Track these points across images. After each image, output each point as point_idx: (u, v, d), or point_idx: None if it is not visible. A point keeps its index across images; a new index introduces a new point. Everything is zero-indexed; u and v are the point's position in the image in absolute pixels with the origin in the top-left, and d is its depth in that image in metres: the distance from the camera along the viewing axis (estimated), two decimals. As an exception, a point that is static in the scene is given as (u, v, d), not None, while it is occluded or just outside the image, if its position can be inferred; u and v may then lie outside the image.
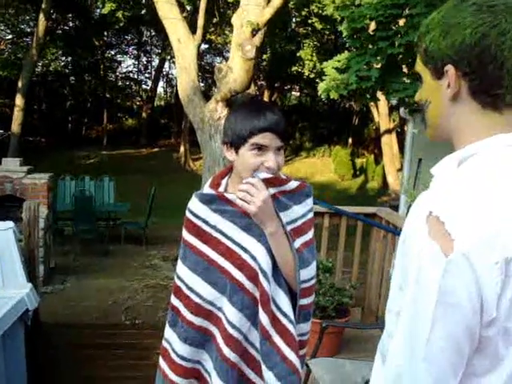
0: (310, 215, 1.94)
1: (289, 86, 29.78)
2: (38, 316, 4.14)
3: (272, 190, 1.79)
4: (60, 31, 24.19)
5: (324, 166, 23.55)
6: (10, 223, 4.48)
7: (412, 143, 9.15)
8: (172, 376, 1.90)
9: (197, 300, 1.84)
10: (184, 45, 9.02)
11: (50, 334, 4.89)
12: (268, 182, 1.77)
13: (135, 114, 30.20)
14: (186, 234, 1.89)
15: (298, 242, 1.83)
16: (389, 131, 17.59)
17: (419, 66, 1.18)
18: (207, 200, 1.85)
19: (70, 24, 25.24)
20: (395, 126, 19.23)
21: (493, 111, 1.09)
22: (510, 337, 1.00)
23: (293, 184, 1.86)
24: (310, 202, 1.94)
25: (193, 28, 9.66)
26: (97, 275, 7.96)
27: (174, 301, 1.93)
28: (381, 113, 17.53)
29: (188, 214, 1.88)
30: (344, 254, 4.93)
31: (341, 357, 3.86)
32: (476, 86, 1.08)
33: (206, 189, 1.89)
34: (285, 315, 1.79)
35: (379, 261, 4.78)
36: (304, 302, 1.88)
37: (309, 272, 1.85)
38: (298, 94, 32.38)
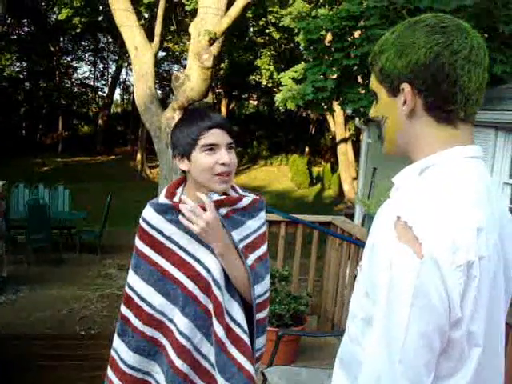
0: (263, 229, 1.97)
1: (246, 95, 29.91)
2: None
3: (224, 210, 1.82)
4: (15, 36, 23.73)
5: (281, 174, 23.71)
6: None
7: (367, 152, 9.31)
8: None
9: (149, 310, 1.83)
10: (141, 52, 8.99)
11: (2, 346, 4.78)
12: (220, 203, 1.80)
13: (91, 121, 29.78)
14: (139, 244, 1.87)
15: (250, 259, 1.86)
16: (344, 140, 17.83)
17: (374, 85, 1.24)
18: (162, 210, 1.84)
19: (26, 29, 24.79)
20: (351, 135, 19.52)
21: (448, 125, 1.15)
22: (472, 338, 1.06)
23: (246, 201, 1.89)
24: (262, 215, 1.97)
25: (150, 36, 9.63)
26: (51, 285, 7.80)
27: (125, 311, 1.91)
28: (337, 122, 17.77)
29: (142, 223, 1.87)
30: (300, 262, 4.98)
31: (297, 365, 3.90)
32: (431, 102, 1.14)
33: (162, 198, 1.88)
34: (238, 325, 1.81)
35: (335, 268, 4.84)
36: (260, 316, 1.91)
37: (262, 287, 1.89)
38: (256, 102, 32.54)
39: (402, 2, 5.26)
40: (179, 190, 1.91)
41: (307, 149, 26.42)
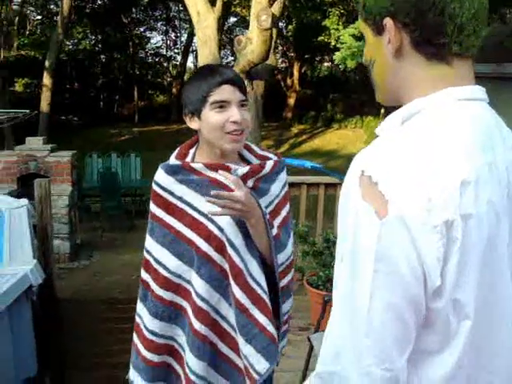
0: (285, 189, 1.91)
1: (319, 57, 29.35)
2: (54, 291, 4.19)
3: (251, 183, 1.77)
4: (88, 10, 24.27)
5: (356, 137, 23.22)
6: (25, 201, 4.55)
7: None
8: (144, 352, 1.87)
9: (165, 273, 1.80)
10: (203, 17, 8.93)
11: (71, 309, 4.97)
12: (246, 177, 1.74)
13: (166, 91, 30.22)
14: (152, 207, 1.85)
15: (275, 226, 1.81)
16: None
17: (360, 24, 1.11)
18: (172, 171, 1.80)
19: (99, 2, 25.29)
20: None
21: (439, 63, 1.01)
22: (460, 311, 0.92)
23: (268, 166, 1.82)
24: (282, 176, 1.90)
25: (213, 1, 9.56)
26: (122, 251, 8.05)
27: (144, 274, 1.90)
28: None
29: (154, 186, 1.84)
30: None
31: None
32: (417, 36, 1.00)
33: (172, 159, 1.84)
34: (258, 285, 1.76)
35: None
36: (284, 281, 1.86)
37: (285, 254, 1.84)
38: (330, 64, 31.90)
39: None
40: (191, 151, 1.87)
41: (382, 110, 25.69)
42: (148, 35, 29.81)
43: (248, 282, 1.73)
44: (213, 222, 1.75)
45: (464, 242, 0.88)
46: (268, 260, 1.79)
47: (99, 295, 6.10)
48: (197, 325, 1.76)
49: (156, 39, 49.44)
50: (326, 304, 3.05)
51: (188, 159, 1.83)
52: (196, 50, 33.33)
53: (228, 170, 1.75)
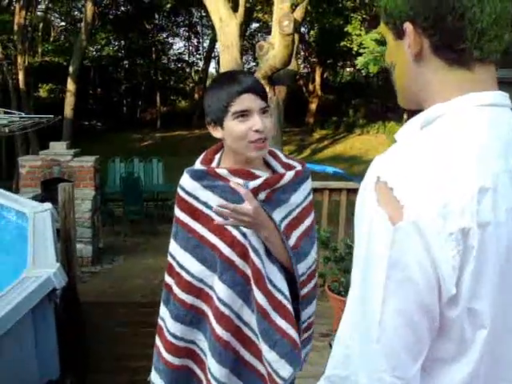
0: (309, 199, 1.90)
1: (341, 63, 29.29)
2: (76, 295, 4.23)
3: (263, 195, 1.75)
4: (111, 16, 24.55)
5: (378, 142, 23.07)
6: (49, 205, 4.61)
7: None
8: (165, 354, 1.88)
9: (187, 278, 1.81)
10: (225, 23, 8.98)
11: (93, 313, 5.00)
12: (257, 190, 1.73)
13: (188, 96, 30.41)
14: (177, 211, 1.86)
15: (294, 237, 1.80)
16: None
17: (382, 28, 1.10)
18: (198, 176, 1.80)
19: (122, 8, 25.56)
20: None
21: (460, 68, 0.99)
22: (476, 320, 0.91)
23: (287, 178, 1.80)
24: (306, 186, 1.88)
25: (235, 8, 9.59)
26: (145, 255, 8.09)
27: (167, 278, 1.92)
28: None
29: (179, 190, 1.85)
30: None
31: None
32: (437, 41, 0.98)
33: (197, 165, 1.85)
34: (279, 291, 1.75)
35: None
36: (305, 290, 1.86)
37: (307, 263, 1.84)
38: (352, 69, 31.82)
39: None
40: (217, 156, 1.87)
41: (405, 116, 25.51)
42: (170, 41, 30.08)
43: (269, 287, 1.73)
44: (237, 227, 1.75)
45: (480, 250, 0.87)
46: (289, 269, 1.79)
47: (122, 299, 6.14)
48: (219, 330, 1.75)
49: (178, 45, 49.90)
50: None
51: (213, 164, 1.84)
52: (218, 56, 33.53)
53: (252, 176, 1.76)
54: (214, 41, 27.69)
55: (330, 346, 2.96)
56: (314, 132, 24.32)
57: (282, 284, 1.76)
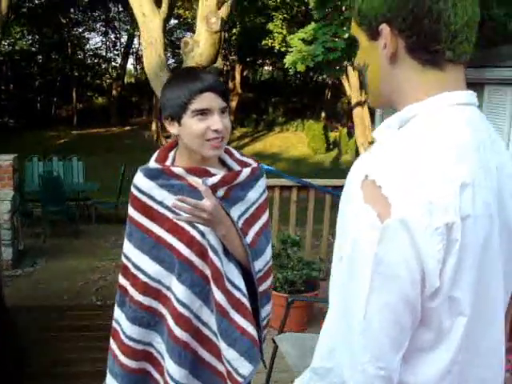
0: (264, 196, 1.91)
1: (261, 61, 29.53)
2: (3, 301, 4.04)
3: (221, 192, 1.74)
4: (25, 9, 23.56)
5: (297, 140, 23.49)
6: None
7: (382, 116, 9.14)
8: (121, 357, 1.84)
9: (144, 279, 1.77)
10: (149, 19, 8.84)
11: (19, 318, 4.80)
12: (216, 187, 1.72)
13: (105, 93, 29.69)
14: (131, 211, 1.81)
15: (250, 234, 1.81)
16: (360, 104, 17.53)
17: (354, 29, 1.12)
18: (153, 175, 1.77)
19: (36, 1, 24.59)
20: (366, 98, 19.18)
21: (434, 68, 1.03)
22: (454, 306, 0.94)
23: (244, 175, 1.80)
24: (261, 183, 1.90)
25: (158, 3, 9.45)
26: (68, 256, 7.83)
27: (122, 280, 1.87)
28: (352, 85, 17.46)
29: (133, 189, 1.80)
30: (314, 227, 4.91)
31: (309, 331, 3.85)
32: (413, 43, 1.02)
33: (152, 163, 1.81)
34: (238, 289, 1.75)
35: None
36: (263, 287, 1.87)
37: (263, 261, 1.85)
38: (270, 68, 32.14)
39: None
40: (171, 154, 1.84)
41: (323, 114, 26.12)
42: (87, 36, 29.25)
43: (227, 286, 1.73)
44: (194, 226, 1.73)
45: (462, 242, 0.91)
46: (246, 267, 1.79)
47: (47, 303, 5.91)
48: (177, 331, 1.73)
49: (95, 40, 48.61)
50: (290, 306, 3.07)
51: (168, 163, 1.80)
52: (137, 52, 32.91)
53: (208, 174, 1.74)
54: (132, 36, 27.21)
55: (273, 341, 2.98)
56: (234, 130, 24.37)
57: (240, 282, 1.76)
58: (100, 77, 30.22)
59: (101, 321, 5.17)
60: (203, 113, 1.68)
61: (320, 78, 27.16)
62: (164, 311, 1.79)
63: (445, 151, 0.94)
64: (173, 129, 1.75)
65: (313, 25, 6.71)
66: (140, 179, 1.79)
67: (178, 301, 1.73)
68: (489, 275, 0.98)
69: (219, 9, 7.68)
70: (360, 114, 17.34)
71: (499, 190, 1.00)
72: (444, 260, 0.90)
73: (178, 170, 1.74)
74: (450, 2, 0.98)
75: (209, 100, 1.68)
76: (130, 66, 31.95)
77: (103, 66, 30.33)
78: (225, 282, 1.72)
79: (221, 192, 1.74)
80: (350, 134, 21.93)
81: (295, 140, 23.55)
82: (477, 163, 0.96)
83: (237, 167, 1.85)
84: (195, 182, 1.70)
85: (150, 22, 8.84)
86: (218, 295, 1.71)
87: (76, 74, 27.45)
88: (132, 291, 1.80)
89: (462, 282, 0.93)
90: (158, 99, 20.06)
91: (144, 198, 1.77)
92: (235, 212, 1.78)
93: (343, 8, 6.17)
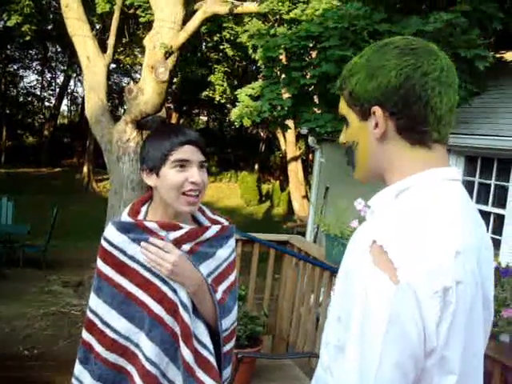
0: (233, 256, 1.91)
1: (197, 110, 29.82)
2: None
3: (187, 246, 1.74)
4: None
5: (230, 191, 23.65)
6: None
7: (319, 171, 9.36)
8: None
9: (112, 335, 1.72)
10: (93, 63, 8.78)
11: None
12: (179, 241, 1.72)
13: (37, 132, 29.01)
14: (101, 265, 1.76)
15: (220, 291, 1.80)
16: (295, 159, 17.95)
17: (344, 109, 1.21)
18: (125, 229, 1.74)
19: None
20: (301, 153, 19.69)
21: (421, 147, 1.13)
22: (445, 365, 1.01)
23: (212, 231, 1.80)
24: (231, 242, 1.90)
25: (101, 47, 9.43)
26: (-9, 301, 7.46)
27: (87, 336, 1.80)
28: (288, 141, 17.88)
29: (104, 243, 1.76)
30: (256, 281, 4.91)
31: (253, 387, 3.80)
32: (402, 124, 1.12)
33: (124, 217, 1.78)
34: (205, 348, 1.73)
35: (291, 288, 4.79)
36: (227, 347, 1.85)
37: (230, 319, 1.84)
38: (206, 118, 32.47)
39: (362, 24, 5.31)
40: (144, 208, 1.82)
41: (257, 166, 26.50)
42: (22, 74, 28.67)
43: (195, 344, 1.71)
44: (166, 283, 1.71)
45: (455, 305, 0.99)
46: (212, 325, 1.78)
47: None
48: None
49: (30, 78, 47.73)
50: (240, 362, 3.04)
51: (140, 217, 1.79)
52: (72, 93, 32.55)
53: (181, 230, 1.74)
54: (68, 77, 26.89)
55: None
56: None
57: (208, 341, 1.75)
58: (32, 116, 29.57)
59: (28, 372, 4.94)
60: (182, 164, 1.69)
61: (255, 131, 27.65)
62: (130, 368, 1.73)
63: (442, 223, 1.03)
64: (150, 181, 1.75)
65: (260, 82, 6.90)
66: (112, 232, 1.75)
67: (147, 358, 1.69)
68: (475, 335, 1.06)
69: (166, 59, 7.75)
70: (294, 169, 17.72)
71: (480, 260, 1.08)
72: (439, 321, 0.98)
73: (150, 224, 1.73)
74: (437, 90, 1.10)
75: (189, 152, 1.70)
76: (64, 107, 31.48)
77: (36, 104, 29.74)
78: (193, 341, 1.70)
79: (186, 247, 1.74)
80: (282, 187, 22.31)
81: (228, 191, 23.70)
82: (465, 234, 1.05)
83: (208, 225, 1.85)
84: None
85: (93, 67, 8.78)
86: (186, 354, 1.68)
87: (7, 111, 26.75)
88: (98, 348, 1.74)
89: (453, 342, 1.00)
90: (93, 142, 19.77)
91: (115, 252, 1.73)
92: (205, 269, 1.77)
93: (290, 68, 6.36)
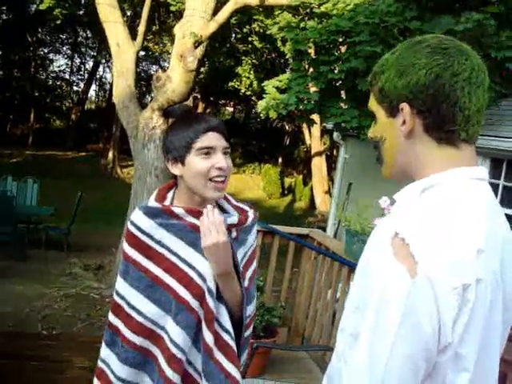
0: (255, 243, 1.96)
1: (223, 101, 29.87)
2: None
3: (234, 233, 1.80)
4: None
5: (253, 183, 23.67)
6: None
7: (343, 167, 9.33)
8: None
9: (139, 319, 1.74)
10: (123, 49, 8.84)
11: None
12: (232, 227, 1.78)
13: (64, 116, 29.33)
14: (128, 249, 1.78)
15: (246, 278, 1.83)
16: (319, 153, 17.91)
17: (373, 104, 1.23)
18: (153, 214, 1.76)
19: (4, 17, 24.32)
20: (325, 149, 19.62)
21: (448, 146, 1.14)
22: (460, 362, 1.02)
23: (250, 219, 1.86)
24: (255, 229, 1.95)
25: (131, 34, 9.50)
26: (14, 281, 7.58)
27: (113, 319, 1.82)
28: (313, 135, 17.83)
29: (131, 227, 1.78)
30: (274, 273, 4.93)
31: (266, 377, 3.83)
32: (430, 123, 1.13)
33: (152, 202, 1.80)
34: (227, 332, 1.76)
35: (309, 281, 4.80)
36: (247, 333, 1.88)
37: (253, 306, 1.87)
38: (232, 109, 32.53)
39: (393, 20, 5.27)
40: (170, 194, 1.84)
41: (280, 159, 26.47)
42: (52, 57, 28.99)
43: (217, 328, 1.73)
44: (193, 268, 1.73)
45: (474, 303, 0.99)
46: (236, 312, 1.80)
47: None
48: (169, 373, 1.70)
49: (59, 62, 48.22)
50: (255, 351, 3.06)
51: (167, 202, 1.81)
52: (100, 79, 32.83)
53: (233, 216, 1.80)
54: (98, 63, 27.13)
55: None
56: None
57: (229, 325, 1.77)
58: (60, 100, 29.88)
59: (47, 352, 5.01)
60: (207, 152, 1.71)
61: (280, 124, 27.61)
62: (155, 351, 1.76)
63: (466, 220, 1.04)
64: (176, 170, 1.76)
65: (288, 74, 6.88)
66: (139, 217, 1.77)
67: (172, 341, 1.71)
68: (492, 336, 1.06)
69: (195, 48, 7.77)
70: (318, 164, 17.68)
71: (502, 260, 1.08)
72: (456, 318, 0.98)
73: (178, 210, 1.75)
74: (467, 90, 1.10)
75: (213, 139, 1.72)
76: (92, 92, 31.75)
77: (65, 89, 30.04)
78: (215, 325, 1.72)
79: (234, 233, 1.79)
80: (305, 182, 22.27)
81: (251, 183, 23.72)
82: (489, 233, 1.05)
83: (234, 212, 1.87)
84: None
85: (123, 53, 8.84)
86: (207, 336, 1.71)
87: (36, 94, 27.06)
88: (125, 331, 1.77)
89: (469, 339, 1.00)
90: (119, 129, 19.90)
91: (142, 237, 1.75)
92: (240, 254, 1.82)
93: (318, 61, 6.34)
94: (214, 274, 1.73)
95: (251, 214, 1.88)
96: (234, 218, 1.78)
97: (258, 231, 4.79)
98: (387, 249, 1.03)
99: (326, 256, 4.53)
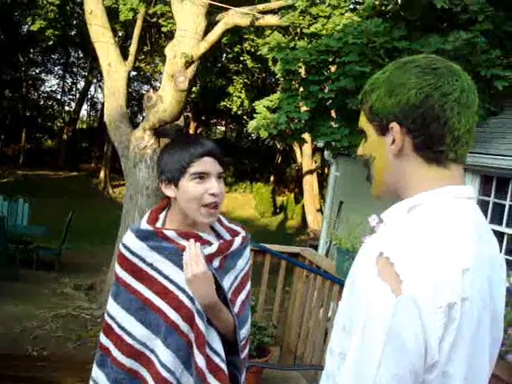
0: (249, 265, 1.94)
1: (215, 120, 29.97)
2: None
3: (217, 262, 1.77)
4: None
5: (245, 201, 23.67)
6: None
7: (334, 185, 9.37)
8: None
9: (129, 341, 1.75)
10: (114, 69, 8.89)
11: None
12: (212, 257, 1.75)
13: (55, 136, 29.32)
14: (119, 271, 1.80)
15: (238, 303, 1.84)
16: (311, 172, 17.97)
17: (363, 123, 1.23)
18: (144, 236, 1.77)
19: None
20: (317, 167, 19.70)
21: (437, 166, 1.14)
22: (447, 381, 1.02)
23: (237, 243, 1.83)
24: (248, 251, 1.94)
25: (123, 54, 9.56)
26: (4, 301, 7.50)
27: (104, 340, 1.83)
28: (304, 153, 17.91)
29: (123, 249, 1.79)
30: (266, 292, 4.93)
31: (259, 397, 3.81)
32: (419, 142, 1.13)
33: (143, 224, 1.80)
34: (217, 354, 1.76)
35: (300, 300, 4.80)
36: (243, 355, 1.88)
37: (246, 328, 1.87)
38: (223, 128, 32.63)
39: (380, 41, 5.34)
40: (162, 216, 1.85)
41: (272, 178, 26.53)
42: (43, 77, 29.03)
43: (208, 351, 1.73)
44: (184, 291, 1.73)
45: (459, 321, 1.00)
46: (228, 336, 1.80)
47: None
48: None
49: (51, 82, 48.33)
50: (247, 371, 3.04)
51: (158, 224, 1.81)
52: (92, 99, 32.87)
53: (200, 239, 1.76)
54: (89, 83, 27.18)
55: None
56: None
57: (220, 347, 1.77)
58: (52, 119, 29.89)
59: (37, 372, 4.97)
60: (201, 176, 1.71)
61: (271, 142, 27.71)
62: (145, 374, 1.76)
63: (451, 239, 1.04)
64: (169, 191, 1.77)
65: (278, 94, 6.94)
66: (131, 240, 1.78)
67: (162, 365, 1.72)
68: (480, 354, 1.07)
69: (186, 68, 7.83)
70: (310, 182, 17.73)
71: (490, 278, 1.09)
72: (442, 337, 0.99)
73: (170, 233, 1.75)
74: (456, 110, 1.11)
75: (208, 164, 1.72)
76: (83, 111, 31.77)
77: (56, 108, 30.06)
78: (206, 348, 1.72)
79: (216, 262, 1.77)
80: (297, 200, 22.30)
81: (243, 201, 23.72)
82: (476, 252, 1.06)
83: (226, 234, 1.88)
84: (190, 245, 1.71)
85: (114, 73, 8.89)
86: (199, 360, 1.71)
87: (28, 113, 27.06)
88: (115, 352, 1.77)
89: (456, 358, 1.01)
90: (111, 148, 19.87)
91: (134, 259, 1.76)
92: (227, 281, 1.80)
93: (308, 81, 6.40)
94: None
95: (241, 236, 1.87)
96: (212, 247, 1.76)
97: (250, 250, 4.81)
98: (372, 268, 1.03)
99: (317, 274, 4.55)
